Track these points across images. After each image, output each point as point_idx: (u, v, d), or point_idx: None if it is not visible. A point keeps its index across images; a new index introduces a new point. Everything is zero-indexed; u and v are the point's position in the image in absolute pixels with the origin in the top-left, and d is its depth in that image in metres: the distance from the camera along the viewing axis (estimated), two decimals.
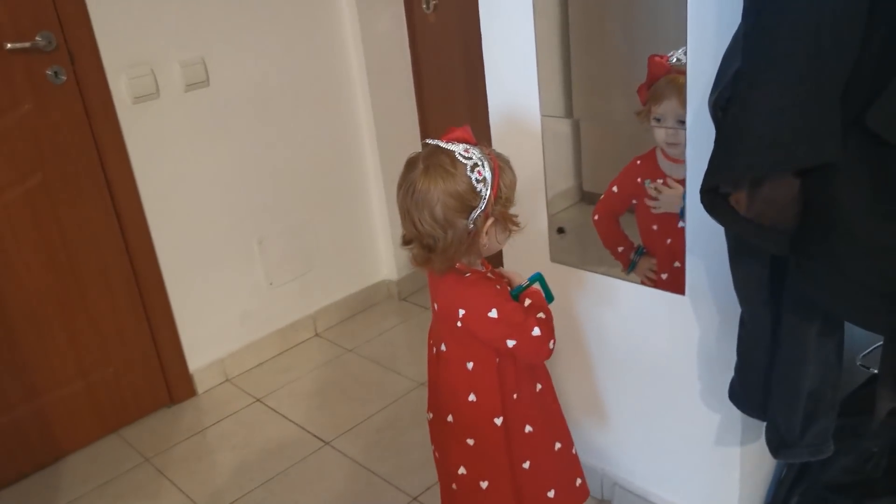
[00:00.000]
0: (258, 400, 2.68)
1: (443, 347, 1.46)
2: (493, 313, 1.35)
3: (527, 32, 1.64)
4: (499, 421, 1.44)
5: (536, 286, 1.44)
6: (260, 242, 2.80)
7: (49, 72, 2.20)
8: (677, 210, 1.57)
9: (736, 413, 1.55)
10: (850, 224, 1.06)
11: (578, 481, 1.62)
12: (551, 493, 1.55)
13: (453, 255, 1.34)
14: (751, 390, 1.42)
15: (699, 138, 1.40)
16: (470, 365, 1.42)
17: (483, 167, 1.30)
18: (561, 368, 1.91)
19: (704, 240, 1.48)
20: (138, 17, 2.35)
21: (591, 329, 1.82)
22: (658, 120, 1.57)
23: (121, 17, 2.31)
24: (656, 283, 1.69)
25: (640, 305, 1.70)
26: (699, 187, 1.15)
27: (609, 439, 1.92)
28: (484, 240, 1.35)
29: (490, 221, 1.33)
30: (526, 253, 1.79)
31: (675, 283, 1.60)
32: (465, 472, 1.49)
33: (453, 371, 1.45)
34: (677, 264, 1.58)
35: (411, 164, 1.34)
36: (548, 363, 1.50)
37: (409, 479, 2.18)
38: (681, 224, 1.54)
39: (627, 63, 1.77)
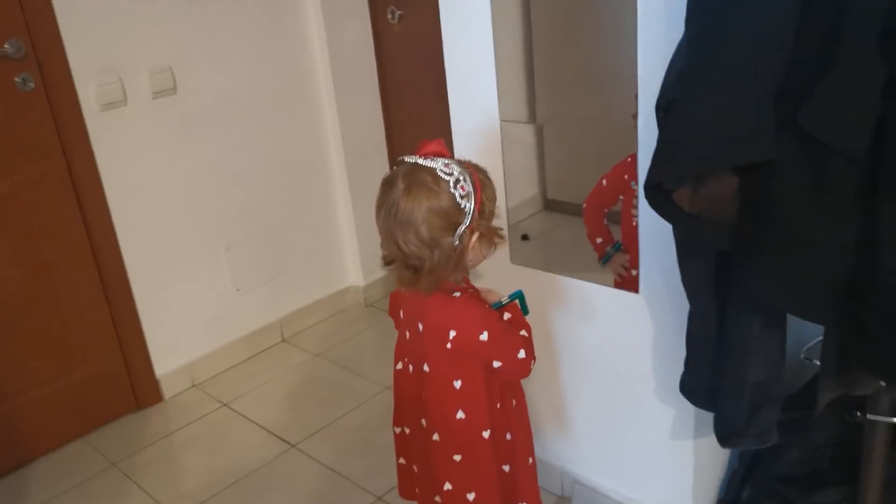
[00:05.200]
0: (225, 405, 2.69)
1: (425, 368, 1.43)
2: (485, 336, 1.35)
3: (485, 36, 1.67)
4: (486, 434, 1.44)
5: (515, 302, 1.46)
6: (227, 248, 2.82)
7: (18, 79, 2.22)
8: None
9: (689, 407, 1.60)
10: (791, 221, 1.11)
11: (541, 496, 1.64)
12: None
13: (441, 274, 1.32)
14: (700, 383, 1.47)
15: (649, 141, 1.44)
16: (458, 384, 1.41)
17: (465, 182, 1.28)
18: None
19: (657, 238, 1.53)
20: (106, 25, 2.37)
21: (550, 330, 1.86)
22: None
23: (89, 25, 2.34)
24: (626, 280, 1.72)
25: (597, 304, 1.74)
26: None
27: (568, 437, 1.96)
28: (469, 255, 1.35)
29: (475, 236, 1.32)
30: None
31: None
32: (451, 487, 1.47)
33: (440, 390, 1.42)
34: None
35: (389, 183, 1.30)
36: None
37: (376, 480, 2.21)
38: None
39: (592, 68, 1.79)
